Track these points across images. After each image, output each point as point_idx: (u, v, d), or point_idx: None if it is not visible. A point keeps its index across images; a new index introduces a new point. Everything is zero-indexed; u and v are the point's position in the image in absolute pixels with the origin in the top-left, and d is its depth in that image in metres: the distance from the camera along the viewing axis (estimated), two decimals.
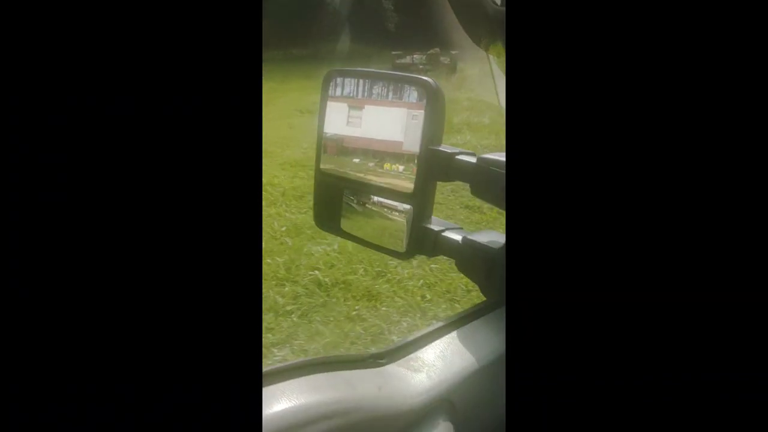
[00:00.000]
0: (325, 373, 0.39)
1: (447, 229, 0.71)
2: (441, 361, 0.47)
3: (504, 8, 0.47)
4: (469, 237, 0.68)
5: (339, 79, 0.75)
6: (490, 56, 0.60)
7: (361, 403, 0.38)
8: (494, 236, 0.66)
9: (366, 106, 0.71)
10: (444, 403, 0.45)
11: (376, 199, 0.78)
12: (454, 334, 0.53)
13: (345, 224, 0.82)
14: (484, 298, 0.64)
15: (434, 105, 0.66)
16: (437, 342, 0.51)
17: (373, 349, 0.48)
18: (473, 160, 0.64)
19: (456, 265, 0.69)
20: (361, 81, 0.72)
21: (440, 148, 0.67)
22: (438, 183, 0.71)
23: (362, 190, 0.79)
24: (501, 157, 0.63)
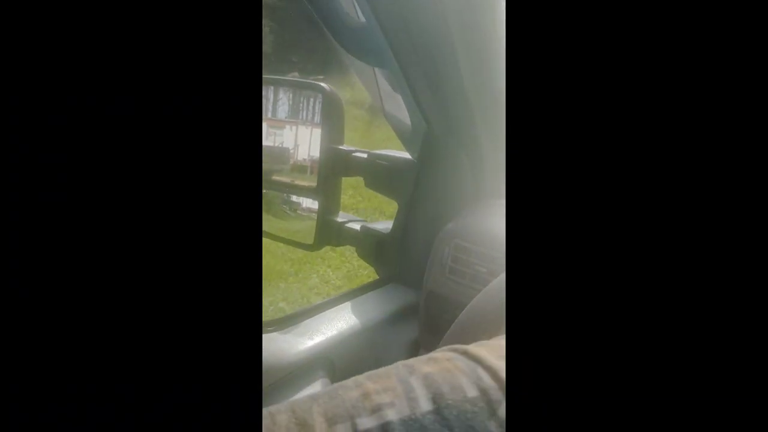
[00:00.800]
0: None
1: (350, 221, 0.79)
2: (326, 326, 0.54)
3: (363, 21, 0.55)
4: (366, 226, 0.75)
5: None
6: (375, 70, 0.68)
7: None
8: (386, 224, 0.73)
9: (267, 127, 0.77)
10: (323, 361, 0.51)
11: (285, 196, 0.84)
12: (342, 305, 0.60)
13: None
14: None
15: (330, 107, 0.73)
16: (326, 312, 0.57)
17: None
18: (365, 156, 0.72)
19: (356, 251, 0.77)
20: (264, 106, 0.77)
21: (339, 147, 0.74)
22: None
23: (272, 187, 0.84)
24: (386, 152, 0.71)
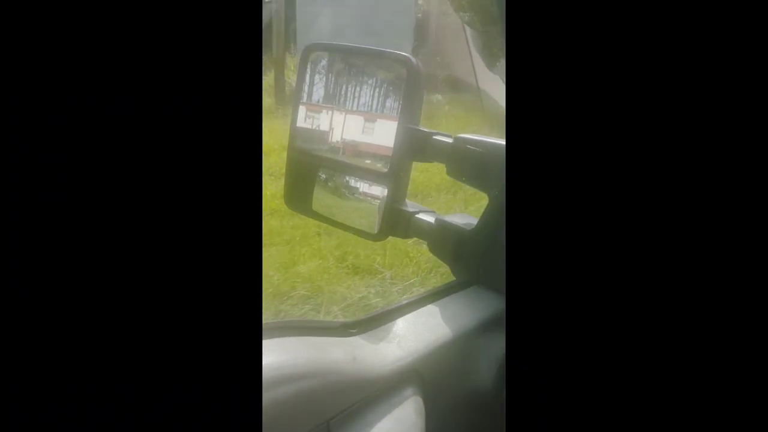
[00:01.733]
0: (296, 337, 0.37)
1: (420, 211, 0.71)
2: (411, 333, 0.47)
3: None
4: (442, 219, 0.67)
5: (319, 56, 0.73)
6: (466, 28, 0.60)
7: (330, 367, 0.37)
8: (466, 219, 0.65)
9: (345, 115, 0.70)
10: (413, 374, 0.44)
11: (349, 179, 0.77)
12: (425, 309, 0.53)
13: (317, 204, 0.80)
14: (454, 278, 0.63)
15: (413, 83, 0.65)
16: (408, 315, 0.50)
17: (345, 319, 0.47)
18: (450, 140, 0.64)
19: (428, 246, 0.69)
20: (337, 78, 0.70)
21: (417, 128, 0.66)
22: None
23: (336, 169, 0.77)
24: (476, 137, 0.63)
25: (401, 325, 0.48)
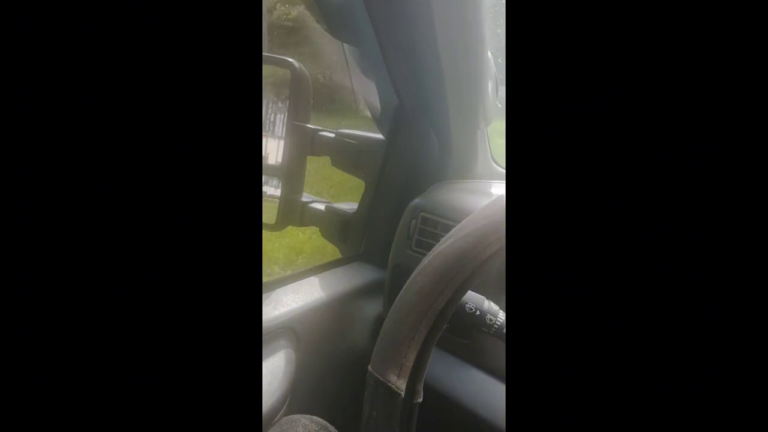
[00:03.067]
0: None
1: (313, 201, 0.77)
2: (290, 298, 0.53)
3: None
4: (331, 206, 0.75)
5: None
6: (345, 46, 0.67)
7: None
8: (351, 205, 0.73)
9: None
10: (287, 331, 0.50)
11: None
12: (306, 279, 0.59)
13: None
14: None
15: (299, 84, 0.72)
16: (290, 285, 0.56)
17: None
18: (333, 135, 0.72)
19: (321, 232, 0.76)
20: None
21: (305, 125, 0.73)
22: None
23: None
24: (354, 131, 0.71)
25: (281, 292, 0.54)
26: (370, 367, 0.29)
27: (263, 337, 0.47)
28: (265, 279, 0.59)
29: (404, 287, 0.29)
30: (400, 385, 0.28)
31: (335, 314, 0.56)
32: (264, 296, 0.52)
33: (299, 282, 0.57)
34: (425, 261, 0.29)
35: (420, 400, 0.29)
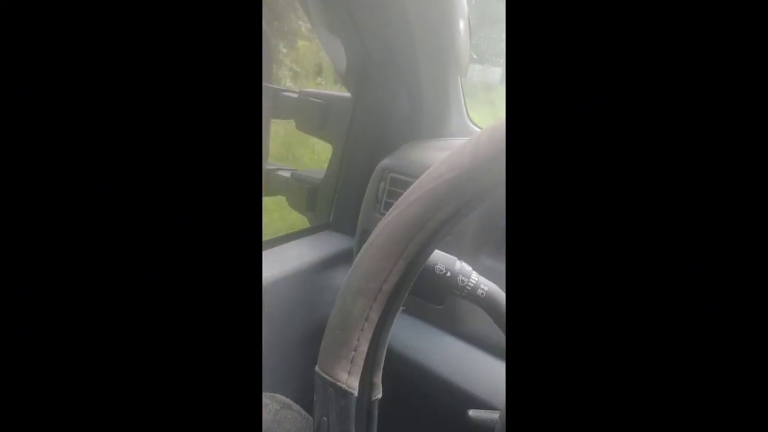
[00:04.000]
0: None
1: (279, 169, 0.73)
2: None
3: None
4: (297, 173, 0.70)
5: None
6: None
7: None
8: (316, 173, 0.69)
9: None
10: None
11: None
12: (272, 250, 0.55)
13: None
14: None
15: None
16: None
17: None
18: (296, 95, 0.67)
19: (287, 200, 0.71)
20: None
21: (266, 85, 0.68)
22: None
23: None
24: (318, 90, 0.66)
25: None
26: (317, 367, 0.25)
27: None
28: None
29: (350, 269, 0.25)
30: (352, 383, 0.25)
31: (303, 286, 0.52)
32: None
33: (264, 253, 0.53)
34: (372, 236, 0.25)
35: (379, 396, 0.26)
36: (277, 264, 0.52)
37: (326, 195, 0.65)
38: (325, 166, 0.66)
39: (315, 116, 0.65)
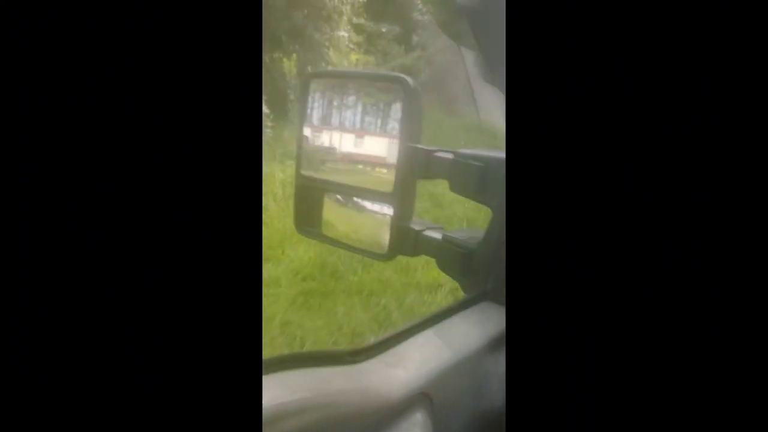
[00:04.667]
0: (298, 370, 0.37)
1: (427, 228, 0.70)
2: (418, 355, 0.46)
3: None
4: (448, 234, 0.67)
5: (319, 84, 0.75)
6: (464, 52, 0.60)
7: (335, 398, 0.36)
8: (473, 233, 0.65)
9: (348, 138, 0.71)
10: (422, 398, 0.43)
11: (356, 200, 0.77)
12: (432, 329, 0.52)
13: (326, 228, 0.81)
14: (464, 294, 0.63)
15: (411, 103, 0.65)
16: (415, 338, 0.50)
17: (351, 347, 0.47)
18: (451, 156, 0.64)
19: (437, 263, 0.68)
20: (335, 105, 0.72)
21: (418, 146, 0.66)
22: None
23: (343, 192, 0.78)
24: (477, 151, 0.63)
25: (407, 348, 0.47)
26: None
27: (396, 407, 0.41)
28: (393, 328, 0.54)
29: None
30: None
31: (470, 372, 0.48)
32: (389, 353, 0.46)
33: (424, 334, 0.50)
34: None
35: None
36: (443, 348, 0.48)
37: (484, 262, 0.61)
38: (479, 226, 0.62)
39: (472, 179, 0.62)
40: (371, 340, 0.48)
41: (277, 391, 0.33)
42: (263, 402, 0.29)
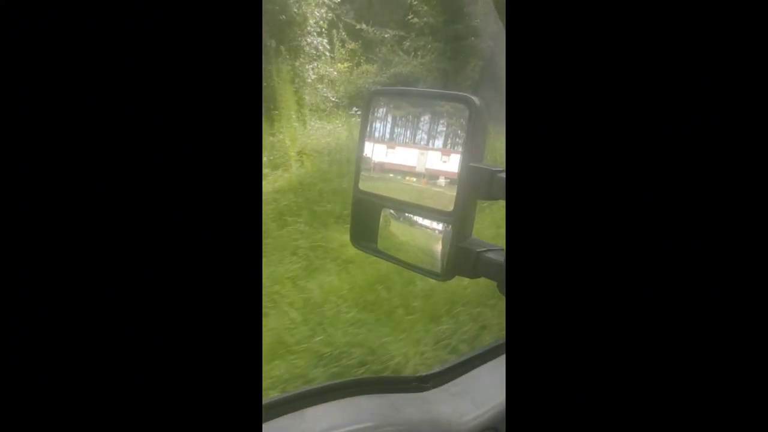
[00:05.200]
0: (369, 396, 0.37)
1: (488, 249, 0.69)
2: (487, 387, 0.45)
3: None
4: None
5: (382, 102, 0.75)
6: None
7: (407, 427, 0.36)
8: None
9: (402, 149, 0.72)
10: None
11: (415, 218, 0.77)
12: (498, 360, 0.51)
13: (382, 244, 0.80)
14: None
15: (476, 122, 0.65)
16: (481, 368, 0.49)
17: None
18: None
19: (498, 287, 0.66)
20: (399, 122, 0.72)
21: (481, 166, 0.65)
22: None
23: (401, 209, 0.78)
24: None
25: (475, 378, 0.46)
26: None
27: None
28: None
29: None
30: None
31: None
32: (458, 382, 0.45)
33: (491, 364, 0.48)
34: None
35: None
36: None
37: None
38: None
39: None
40: (435, 368, 0.47)
41: (347, 415, 0.32)
42: (334, 427, 0.29)
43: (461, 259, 0.68)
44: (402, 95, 0.72)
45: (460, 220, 0.68)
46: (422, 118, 0.70)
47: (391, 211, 0.77)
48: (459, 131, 0.67)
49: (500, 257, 0.66)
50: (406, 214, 0.75)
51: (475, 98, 0.65)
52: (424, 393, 0.41)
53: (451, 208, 0.68)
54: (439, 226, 0.72)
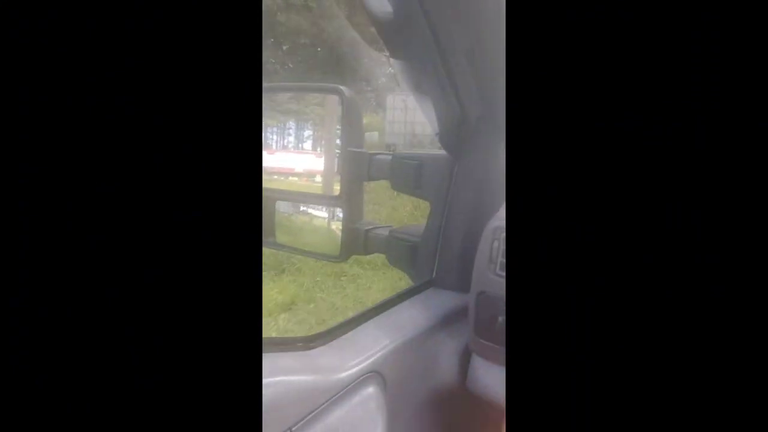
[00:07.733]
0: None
1: (375, 227, 0.74)
2: (370, 338, 0.49)
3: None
4: (395, 231, 0.71)
5: None
6: (394, 63, 0.65)
7: (288, 382, 0.39)
8: (415, 228, 0.69)
9: (292, 149, 0.74)
10: (373, 375, 0.46)
11: (306, 208, 0.80)
12: (382, 315, 0.56)
13: (280, 237, 0.83)
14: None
15: (349, 110, 0.69)
16: (367, 323, 0.53)
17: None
18: (389, 157, 0.68)
19: (387, 259, 0.72)
20: (278, 116, 0.75)
21: (360, 150, 0.71)
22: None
23: (292, 199, 0.81)
24: (414, 151, 0.67)
25: (360, 332, 0.50)
26: None
27: (347, 384, 0.44)
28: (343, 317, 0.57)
29: None
30: None
31: (420, 351, 0.52)
32: (343, 338, 0.49)
33: (376, 319, 0.53)
34: None
35: None
36: (393, 330, 0.52)
37: (427, 252, 0.66)
38: (421, 221, 0.66)
39: (410, 176, 0.67)
40: (324, 328, 0.51)
41: None
42: None
43: (354, 239, 0.73)
44: (273, 90, 0.75)
45: (348, 202, 0.73)
46: (298, 112, 0.74)
47: (287, 205, 0.80)
48: (335, 120, 0.71)
49: (385, 232, 0.71)
50: (299, 206, 0.78)
51: (344, 88, 0.70)
52: (311, 351, 0.45)
53: (338, 191, 0.73)
54: (331, 212, 0.76)
